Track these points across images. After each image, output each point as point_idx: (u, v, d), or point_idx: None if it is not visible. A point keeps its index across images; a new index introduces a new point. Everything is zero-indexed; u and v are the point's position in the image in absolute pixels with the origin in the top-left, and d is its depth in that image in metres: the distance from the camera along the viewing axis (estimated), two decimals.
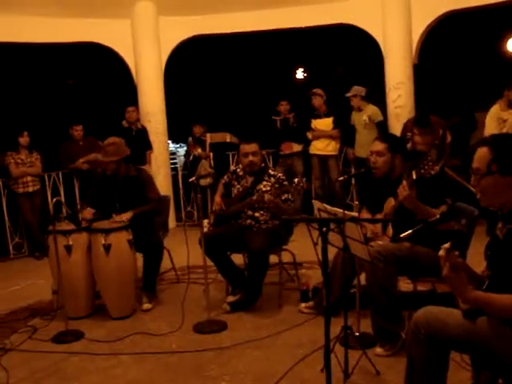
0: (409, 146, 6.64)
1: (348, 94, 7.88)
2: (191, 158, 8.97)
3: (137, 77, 8.86)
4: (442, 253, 2.26)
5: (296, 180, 4.70)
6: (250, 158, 4.96)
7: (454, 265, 2.25)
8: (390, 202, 3.94)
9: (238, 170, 5.23)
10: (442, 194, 3.75)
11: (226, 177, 5.31)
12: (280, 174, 5.12)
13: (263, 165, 5.21)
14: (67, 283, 4.72)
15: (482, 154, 2.44)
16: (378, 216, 4.11)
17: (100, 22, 8.54)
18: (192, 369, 3.81)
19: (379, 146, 4.07)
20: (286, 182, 4.93)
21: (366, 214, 4.33)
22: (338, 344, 3.53)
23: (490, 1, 7.63)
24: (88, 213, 5.21)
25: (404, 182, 3.65)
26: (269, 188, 4.91)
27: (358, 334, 3.92)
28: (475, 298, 2.28)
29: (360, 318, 3.99)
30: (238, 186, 5.15)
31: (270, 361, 3.83)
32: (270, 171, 5.11)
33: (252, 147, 4.98)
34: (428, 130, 6.73)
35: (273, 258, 4.92)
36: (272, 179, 4.99)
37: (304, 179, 4.74)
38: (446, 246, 2.26)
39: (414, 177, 3.58)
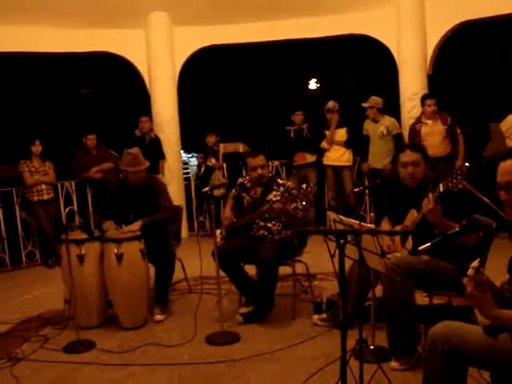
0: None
1: (365, 105, 7.81)
2: (202, 169, 8.98)
3: (150, 86, 8.89)
4: (470, 272, 2.20)
5: (304, 186, 4.65)
6: (259, 171, 4.92)
7: (479, 282, 2.19)
8: (413, 214, 3.87)
9: (245, 181, 5.19)
10: (468, 208, 3.67)
11: (234, 190, 5.28)
12: (289, 183, 5.08)
13: (271, 174, 5.17)
14: (79, 293, 4.71)
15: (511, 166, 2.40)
16: (397, 228, 4.05)
17: (114, 32, 8.60)
18: (204, 381, 3.77)
19: (414, 156, 3.95)
20: (294, 191, 4.89)
21: (386, 224, 4.28)
22: (352, 357, 3.47)
23: (504, 11, 7.60)
24: (110, 225, 5.17)
25: (430, 195, 3.58)
26: (279, 198, 4.88)
27: (372, 347, 3.87)
28: (501, 316, 2.23)
29: (375, 331, 3.94)
30: (248, 198, 5.11)
31: (283, 374, 3.78)
32: (278, 180, 5.07)
33: (259, 160, 4.93)
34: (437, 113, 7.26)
35: (287, 269, 4.88)
36: (281, 188, 4.95)
37: (312, 184, 4.69)
38: (475, 264, 2.20)
39: (441, 189, 3.51)
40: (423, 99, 7.39)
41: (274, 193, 4.95)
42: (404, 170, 3.99)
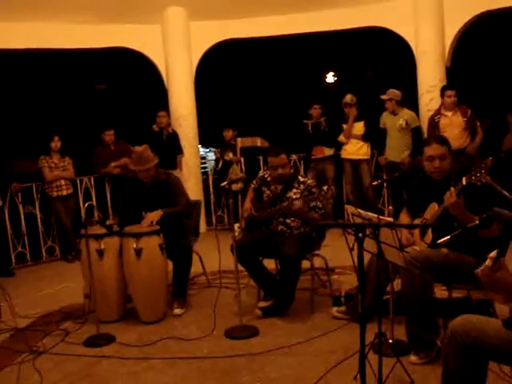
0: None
1: (384, 97, 7.74)
2: (220, 164, 8.98)
3: (167, 81, 8.91)
4: (489, 263, 2.17)
5: (325, 188, 4.62)
6: (280, 171, 4.88)
7: (498, 266, 2.16)
8: (433, 208, 3.84)
9: (266, 175, 5.16)
10: (489, 202, 3.63)
11: (255, 182, 5.26)
12: (310, 181, 5.03)
13: (292, 171, 5.14)
14: (99, 287, 4.75)
15: None
16: (416, 221, 4.02)
17: (131, 27, 8.62)
18: (224, 374, 3.78)
19: (441, 150, 3.87)
20: (314, 190, 4.85)
21: (405, 217, 4.25)
22: (371, 351, 3.47)
23: None
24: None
25: (452, 189, 3.55)
26: (299, 195, 4.85)
27: (391, 341, 3.86)
28: None
29: (394, 325, 3.93)
30: (268, 192, 5.10)
31: (303, 367, 3.78)
32: (299, 178, 5.04)
33: (281, 159, 4.88)
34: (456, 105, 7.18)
35: (305, 263, 4.87)
36: (301, 186, 4.93)
37: (333, 186, 4.66)
38: (493, 255, 2.17)
39: (464, 183, 3.48)
40: (443, 90, 7.32)
41: (295, 190, 4.93)
42: (430, 164, 3.92)
